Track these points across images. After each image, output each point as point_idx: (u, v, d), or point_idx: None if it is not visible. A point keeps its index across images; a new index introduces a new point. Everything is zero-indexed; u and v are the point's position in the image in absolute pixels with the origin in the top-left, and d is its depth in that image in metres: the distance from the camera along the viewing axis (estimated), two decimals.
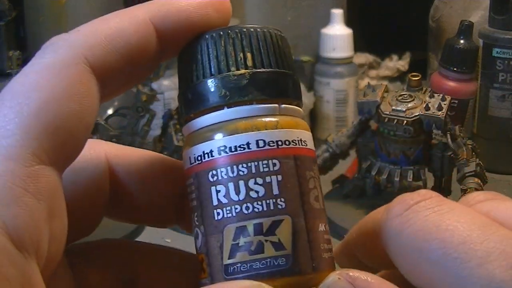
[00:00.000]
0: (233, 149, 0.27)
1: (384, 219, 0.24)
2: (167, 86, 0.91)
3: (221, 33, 0.28)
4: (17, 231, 0.21)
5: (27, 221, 0.21)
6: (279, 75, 0.28)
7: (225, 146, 0.27)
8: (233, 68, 0.27)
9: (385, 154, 0.75)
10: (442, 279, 0.22)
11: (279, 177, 0.26)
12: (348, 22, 1.02)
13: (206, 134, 0.27)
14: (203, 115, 0.28)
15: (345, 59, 0.99)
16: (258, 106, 0.27)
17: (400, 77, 1.11)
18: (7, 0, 0.98)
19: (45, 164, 0.22)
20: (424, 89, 0.75)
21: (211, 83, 0.27)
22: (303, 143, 0.28)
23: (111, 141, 0.74)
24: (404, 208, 0.24)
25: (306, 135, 0.28)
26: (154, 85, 0.74)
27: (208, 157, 0.27)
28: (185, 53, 0.28)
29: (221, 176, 0.26)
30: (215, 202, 0.26)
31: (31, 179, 0.22)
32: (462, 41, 0.89)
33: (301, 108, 0.29)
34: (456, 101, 0.86)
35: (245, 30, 0.28)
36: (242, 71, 0.27)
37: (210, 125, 0.27)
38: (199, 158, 0.27)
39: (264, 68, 0.28)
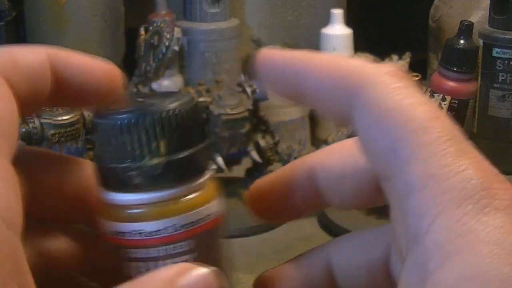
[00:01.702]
0: (143, 234, 0.30)
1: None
2: (167, 86, 0.91)
3: (133, 120, 0.30)
4: (7, 211, 0.23)
5: (12, 199, 0.23)
6: (191, 156, 0.31)
7: (141, 230, 0.30)
8: (147, 157, 0.30)
9: None
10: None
11: (189, 257, 0.30)
12: (348, 22, 1.02)
13: (119, 213, 0.31)
14: (119, 193, 0.31)
15: None
16: (171, 191, 0.30)
17: None
18: (7, 0, 0.98)
19: None
20: (424, 89, 0.75)
21: (125, 169, 0.30)
22: (210, 216, 0.31)
23: None
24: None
25: (212, 206, 0.31)
26: (154, 85, 0.74)
27: (122, 236, 0.30)
28: (101, 130, 0.31)
29: (132, 256, 0.30)
30: (126, 276, 0.30)
31: None
32: (462, 41, 0.89)
33: (210, 172, 0.32)
34: (456, 101, 0.86)
35: (156, 116, 0.30)
36: (156, 160, 0.30)
37: (124, 205, 0.31)
38: (114, 232, 0.30)
39: (176, 153, 0.30)
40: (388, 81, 0.23)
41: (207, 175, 0.32)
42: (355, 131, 0.24)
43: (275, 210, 0.29)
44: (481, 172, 0.22)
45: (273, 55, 0.27)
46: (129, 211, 0.30)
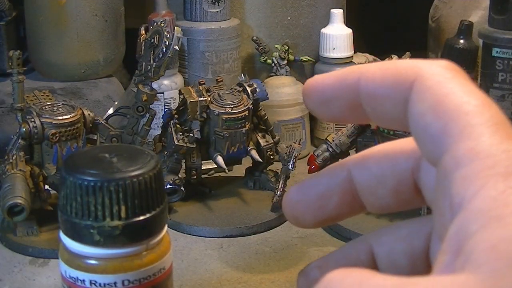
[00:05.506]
0: (97, 284, 0.33)
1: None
2: (167, 86, 0.92)
3: (99, 184, 0.32)
4: None
5: None
6: (147, 220, 0.33)
7: (96, 282, 0.33)
8: (108, 219, 0.32)
9: None
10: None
11: None
12: (348, 22, 1.02)
13: (80, 263, 0.33)
14: (79, 244, 0.33)
15: (345, 59, 0.99)
16: (127, 250, 0.33)
17: None
18: (7, 0, 0.98)
19: None
20: None
21: (87, 226, 0.33)
22: (161, 271, 0.34)
23: (111, 141, 0.74)
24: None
25: (165, 260, 0.34)
26: (154, 85, 0.74)
27: (81, 284, 0.33)
28: (68, 186, 0.33)
29: None
30: None
31: None
32: (461, 41, 0.89)
33: (166, 225, 0.35)
34: None
35: (120, 182, 0.32)
36: (116, 222, 0.32)
37: (85, 256, 0.33)
38: (73, 279, 0.33)
39: (135, 218, 0.33)
40: (442, 72, 0.24)
41: (162, 233, 0.34)
42: (410, 123, 0.24)
43: (312, 216, 0.29)
44: None
45: (320, 79, 0.27)
46: (86, 262, 0.33)
